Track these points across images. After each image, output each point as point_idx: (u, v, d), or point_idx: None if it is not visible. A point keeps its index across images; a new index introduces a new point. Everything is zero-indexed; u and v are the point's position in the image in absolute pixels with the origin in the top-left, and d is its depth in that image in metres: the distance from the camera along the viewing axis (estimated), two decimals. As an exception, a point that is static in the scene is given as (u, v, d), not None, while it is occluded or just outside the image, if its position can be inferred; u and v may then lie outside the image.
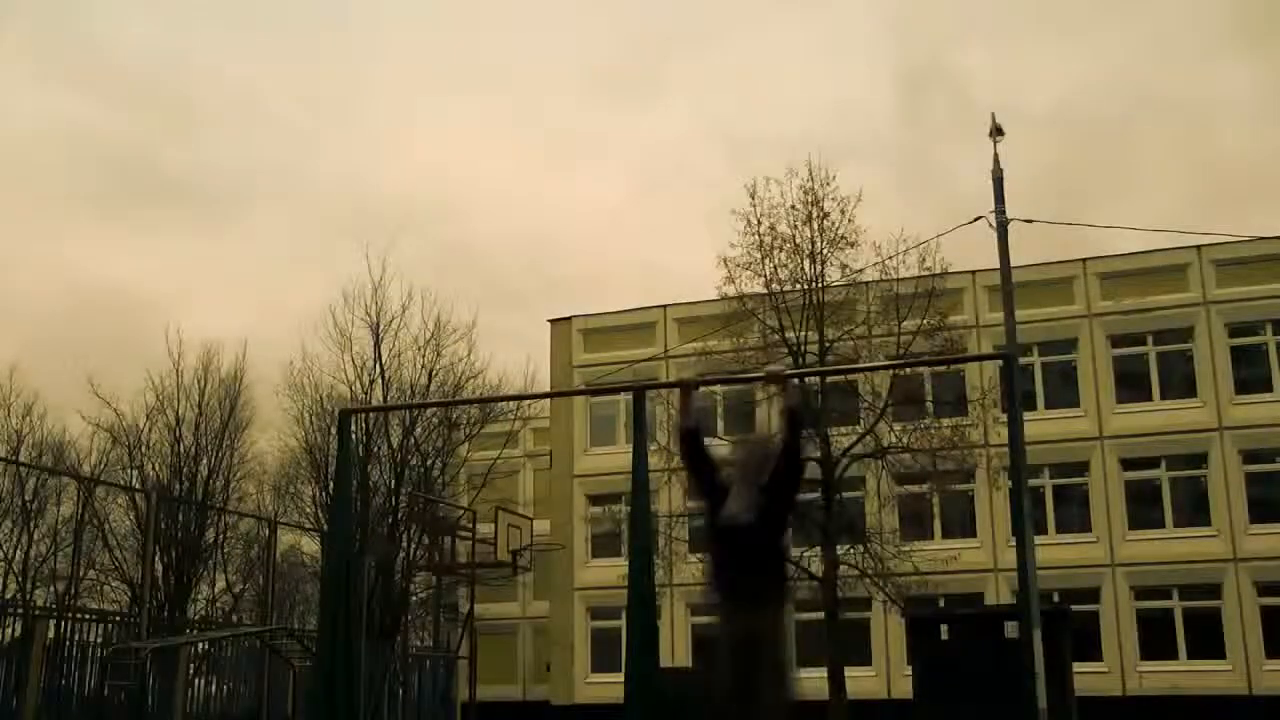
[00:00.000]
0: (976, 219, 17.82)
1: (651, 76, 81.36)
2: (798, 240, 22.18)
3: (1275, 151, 59.96)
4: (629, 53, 79.90)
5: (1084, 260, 28.70)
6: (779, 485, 6.08)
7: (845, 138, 68.88)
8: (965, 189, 59.66)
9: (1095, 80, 68.87)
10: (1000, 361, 19.47)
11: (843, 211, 22.07)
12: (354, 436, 16.00)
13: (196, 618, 27.01)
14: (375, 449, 28.02)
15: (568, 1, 77.19)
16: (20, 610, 16.99)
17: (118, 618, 17.64)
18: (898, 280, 22.08)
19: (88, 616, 16.80)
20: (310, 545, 32.75)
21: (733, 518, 6.00)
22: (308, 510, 29.78)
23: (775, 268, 22.16)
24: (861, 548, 22.32)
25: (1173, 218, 69.72)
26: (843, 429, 22.76)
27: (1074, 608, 20.27)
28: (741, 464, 6.26)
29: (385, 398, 27.35)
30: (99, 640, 15.74)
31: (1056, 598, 23.64)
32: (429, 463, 29.06)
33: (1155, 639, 26.42)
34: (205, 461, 30.60)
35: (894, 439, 22.11)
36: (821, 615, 22.37)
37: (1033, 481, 23.31)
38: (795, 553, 20.59)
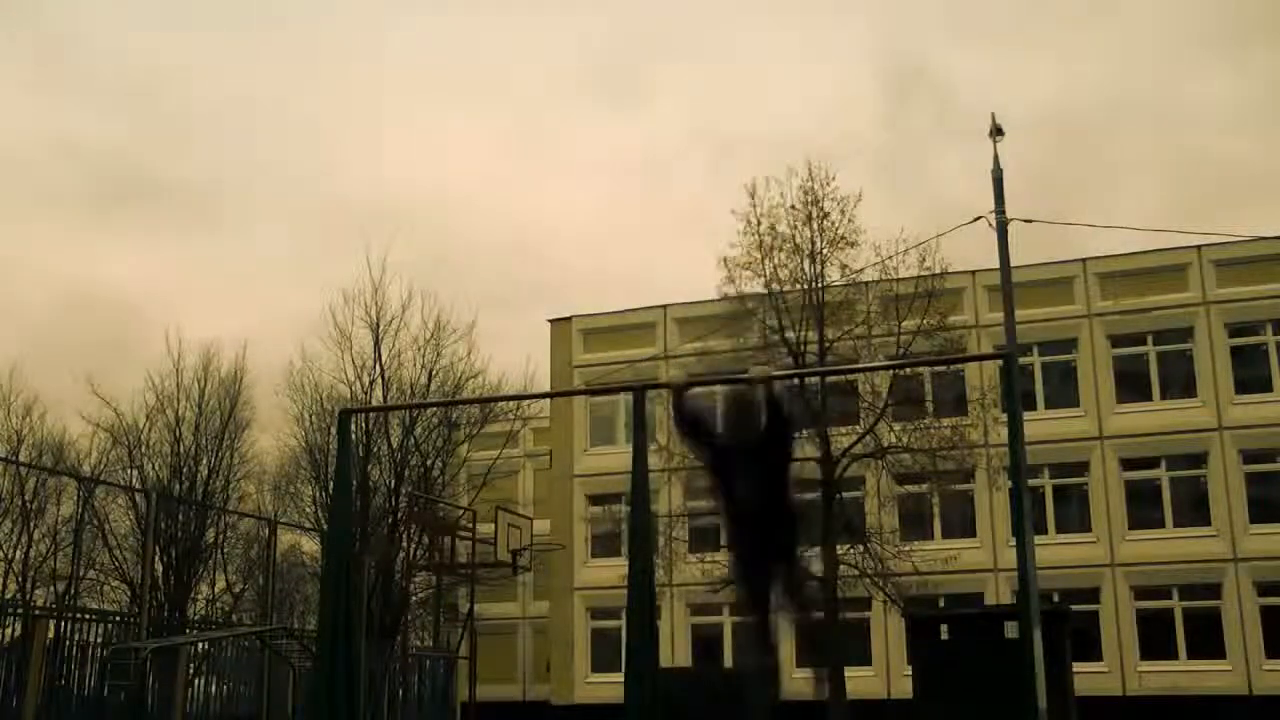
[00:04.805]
0: (976, 219, 17.82)
1: (648, 77, 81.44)
2: (798, 240, 22.20)
3: (1269, 152, 59.88)
4: (627, 54, 79.97)
5: (1084, 260, 28.68)
6: (772, 444, 6.47)
7: (833, 139, 68.85)
8: (951, 191, 59.51)
9: (1085, 82, 68.81)
10: (1000, 361, 19.44)
11: (843, 211, 22.11)
12: (354, 436, 16.00)
13: (196, 618, 27.01)
14: (375, 449, 28.01)
15: (565, 3, 77.26)
16: (20, 610, 16.97)
17: (118, 618, 17.62)
18: (898, 280, 22.09)
19: (88, 616, 16.79)
20: (310, 545, 32.75)
21: (745, 502, 6.48)
22: (308, 510, 29.78)
23: (775, 268, 22.18)
24: (861, 547, 22.31)
25: (1164, 220, 69.62)
26: (843, 429, 22.76)
27: (1074, 608, 20.29)
28: (731, 423, 6.60)
29: (385, 398, 27.33)
30: (99, 640, 15.73)
31: (1056, 598, 23.63)
32: (429, 463, 29.04)
33: (1155, 639, 26.40)
34: (205, 461, 30.62)
35: (894, 439, 22.12)
36: (821, 615, 22.39)
37: (1032, 481, 23.32)
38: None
